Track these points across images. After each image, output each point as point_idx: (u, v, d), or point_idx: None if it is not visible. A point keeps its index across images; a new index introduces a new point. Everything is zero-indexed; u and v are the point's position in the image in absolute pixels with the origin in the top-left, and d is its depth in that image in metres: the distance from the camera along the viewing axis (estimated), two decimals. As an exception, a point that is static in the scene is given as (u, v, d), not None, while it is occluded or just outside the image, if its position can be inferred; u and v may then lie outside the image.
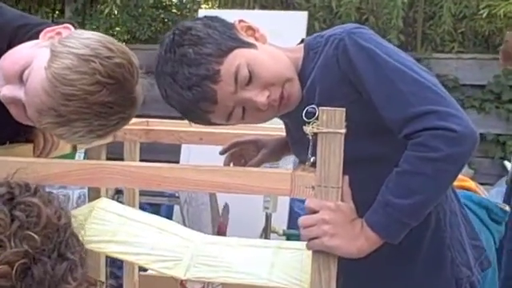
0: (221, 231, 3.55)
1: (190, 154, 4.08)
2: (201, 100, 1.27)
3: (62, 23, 1.30)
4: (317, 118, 1.11)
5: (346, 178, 1.15)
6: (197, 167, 1.13)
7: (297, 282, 1.22)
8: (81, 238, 1.06)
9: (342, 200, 1.15)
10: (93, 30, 5.39)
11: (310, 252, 1.16)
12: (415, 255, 1.39)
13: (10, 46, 1.28)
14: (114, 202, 1.56)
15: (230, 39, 1.29)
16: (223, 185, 1.12)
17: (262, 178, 1.12)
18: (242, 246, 1.35)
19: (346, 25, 1.34)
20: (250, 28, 1.36)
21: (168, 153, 4.01)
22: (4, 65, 1.25)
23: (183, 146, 4.08)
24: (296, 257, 1.28)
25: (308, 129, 1.12)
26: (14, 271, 0.92)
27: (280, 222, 3.63)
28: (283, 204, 3.63)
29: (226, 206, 3.67)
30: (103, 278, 1.82)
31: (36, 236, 0.95)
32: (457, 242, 1.41)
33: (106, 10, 5.39)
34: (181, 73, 1.27)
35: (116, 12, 5.57)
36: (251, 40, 1.33)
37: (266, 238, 3.38)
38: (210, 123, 1.36)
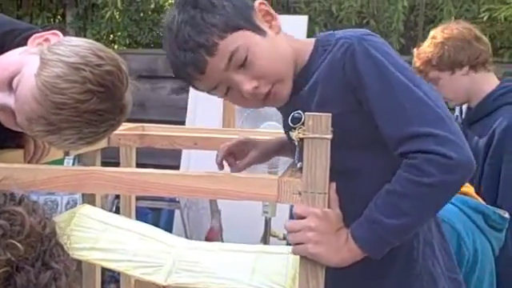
0: (211, 237, 3.53)
1: (191, 159, 4.08)
2: (190, 65, 1.25)
3: (50, 29, 1.30)
4: (303, 124, 1.10)
5: (333, 184, 1.14)
6: (182, 173, 1.13)
7: (279, 287, 1.22)
8: (66, 248, 1.05)
9: (329, 206, 1.15)
10: (94, 34, 5.42)
11: (296, 257, 1.17)
12: (388, 272, 1.36)
13: None
14: (97, 209, 1.56)
15: (241, 18, 1.26)
16: (209, 191, 1.12)
17: (248, 184, 1.12)
18: (224, 251, 1.35)
19: (358, 29, 1.31)
20: (268, 13, 1.32)
21: (170, 157, 4.01)
22: None
23: (184, 151, 4.07)
24: (280, 261, 1.28)
25: (294, 134, 1.11)
26: None
27: (281, 225, 3.61)
28: (285, 208, 3.61)
29: (218, 212, 3.65)
30: (98, 284, 1.82)
31: (19, 245, 0.94)
32: (427, 273, 1.38)
33: (107, 15, 5.38)
34: (182, 33, 1.24)
35: (117, 16, 5.57)
36: (264, 26, 1.29)
37: (265, 242, 3.36)
38: (196, 88, 1.34)
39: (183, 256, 1.33)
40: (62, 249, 1.03)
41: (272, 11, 1.32)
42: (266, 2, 1.33)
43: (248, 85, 1.26)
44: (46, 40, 1.27)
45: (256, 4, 1.31)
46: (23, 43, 1.29)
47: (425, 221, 1.25)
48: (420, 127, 1.16)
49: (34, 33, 1.30)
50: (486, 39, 2.43)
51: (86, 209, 1.51)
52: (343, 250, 1.17)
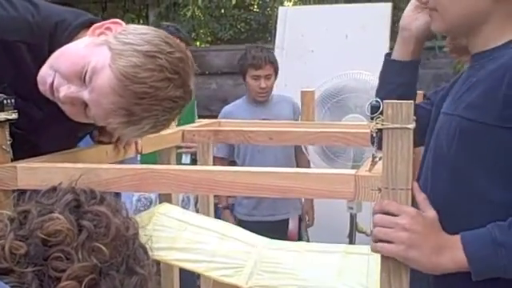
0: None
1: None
2: None
3: (103, 19, 1.27)
4: (381, 113, 0.99)
5: (416, 183, 1.03)
6: (249, 170, 1.05)
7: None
8: (148, 249, 0.98)
9: (418, 207, 1.04)
10: (176, 32, 5.45)
11: (377, 255, 1.05)
12: None
13: (50, 43, 1.24)
14: (176, 207, 1.50)
15: None
16: (278, 188, 1.03)
17: (322, 181, 1.02)
18: (308, 252, 1.25)
19: None
20: None
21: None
22: (61, 65, 1.21)
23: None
24: (362, 261, 1.17)
25: (372, 125, 1.00)
26: (82, 287, 0.85)
27: (368, 221, 3.47)
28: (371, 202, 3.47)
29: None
30: (177, 285, 1.77)
31: (104, 248, 0.88)
32: None
33: (189, 13, 5.41)
34: None
35: (199, 14, 5.59)
36: None
37: (351, 239, 3.25)
38: None
39: (265, 256, 1.26)
40: (144, 251, 0.96)
41: None
42: None
43: None
44: (108, 29, 1.23)
45: None
46: (74, 34, 1.26)
47: None
48: None
49: (87, 21, 1.27)
50: None
51: (165, 208, 1.47)
52: (440, 257, 1.05)
